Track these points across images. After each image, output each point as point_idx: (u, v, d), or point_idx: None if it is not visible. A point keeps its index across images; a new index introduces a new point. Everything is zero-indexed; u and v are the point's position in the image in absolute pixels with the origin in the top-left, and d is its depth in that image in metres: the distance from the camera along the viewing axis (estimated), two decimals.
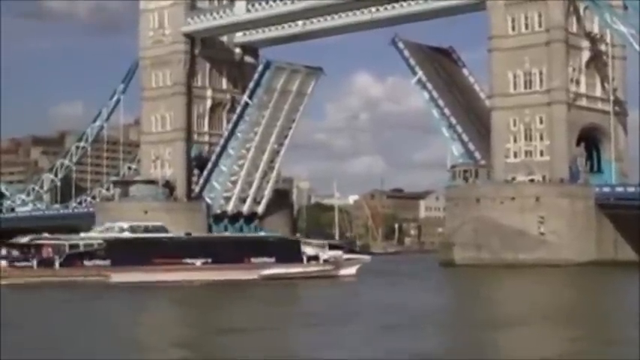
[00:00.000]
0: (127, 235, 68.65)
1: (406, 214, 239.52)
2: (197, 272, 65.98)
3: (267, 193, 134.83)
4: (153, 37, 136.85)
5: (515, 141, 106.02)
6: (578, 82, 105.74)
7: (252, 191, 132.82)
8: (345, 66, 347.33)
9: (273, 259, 69.06)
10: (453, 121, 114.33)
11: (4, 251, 65.19)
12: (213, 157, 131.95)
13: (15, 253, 64.92)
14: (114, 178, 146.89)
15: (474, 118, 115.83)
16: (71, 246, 65.80)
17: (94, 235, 69.09)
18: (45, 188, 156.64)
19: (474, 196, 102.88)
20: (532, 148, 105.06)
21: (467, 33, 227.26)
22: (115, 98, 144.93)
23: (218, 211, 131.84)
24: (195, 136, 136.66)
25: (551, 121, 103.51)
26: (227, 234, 76.55)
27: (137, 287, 60.03)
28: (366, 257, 77.33)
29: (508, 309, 46.13)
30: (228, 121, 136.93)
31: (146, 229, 71.78)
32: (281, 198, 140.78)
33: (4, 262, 63.46)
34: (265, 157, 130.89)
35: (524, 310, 44.52)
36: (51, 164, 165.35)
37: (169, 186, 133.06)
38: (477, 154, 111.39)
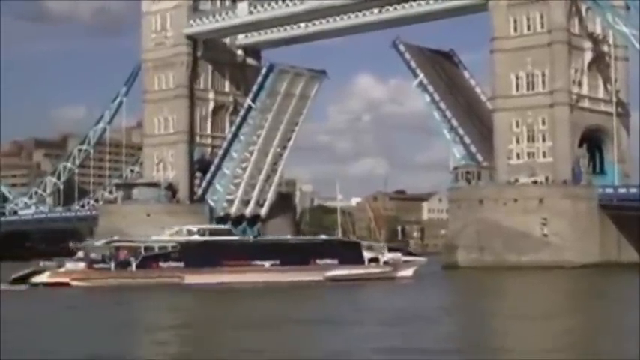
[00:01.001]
0: (199, 237, 70.17)
1: (409, 216, 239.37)
2: (265, 274, 67.81)
3: (270, 195, 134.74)
4: (155, 39, 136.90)
5: (517, 142, 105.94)
6: (580, 84, 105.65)
7: (255, 194, 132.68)
8: (348, 68, 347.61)
9: (336, 261, 70.72)
10: (455, 123, 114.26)
11: (80, 253, 67.00)
12: (216, 160, 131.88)
13: (93, 255, 66.60)
14: (116, 181, 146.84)
15: (475, 121, 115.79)
16: (146, 248, 67.49)
17: (168, 238, 70.55)
18: (48, 191, 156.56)
19: (477, 197, 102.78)
20: (534, 150, 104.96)
21: (469, 34, 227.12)
22: (117, 101, 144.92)
23: (221, 214, 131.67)
24: (198, 139, 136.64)
25: (554, 122, 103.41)
26: (292, 237, 78.40)
27: (212, 288, 61.91)
28: (422, 259, 78.25)
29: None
30: (230, 124, 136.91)
31: (213, 232, 73.86)
32: (284, 201, 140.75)
33: (82, 264, 65.02)
34: (268, 160, 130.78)
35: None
36: (54, 167, 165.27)
37: (172, 189, 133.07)
38: (479, 156, 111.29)
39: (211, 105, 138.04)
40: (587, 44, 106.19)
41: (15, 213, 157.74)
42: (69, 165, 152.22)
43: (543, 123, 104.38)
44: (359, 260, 71.70)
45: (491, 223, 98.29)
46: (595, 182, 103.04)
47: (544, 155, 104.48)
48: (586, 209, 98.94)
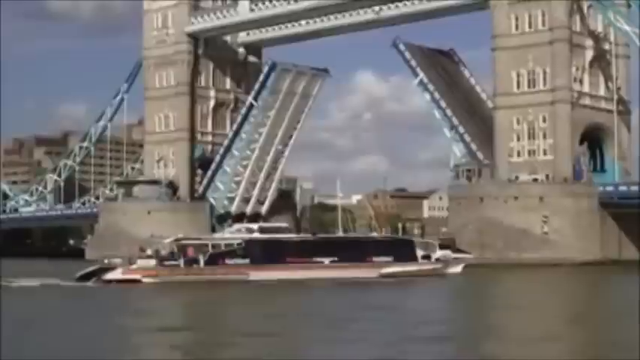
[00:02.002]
0: (262, 235, 71.56)
1: (410, 214, 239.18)
2: (325, 270, 69.20)
3: (271, 193, 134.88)
4: (156, 37, 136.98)
5: (518, 140, 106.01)
6: (581, 81, 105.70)
7: (255, 192, 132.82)
8: (349, 65, 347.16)
9: (391, 258, 72.03)
10: (455, 121, 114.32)
11: (149, 251, 68.13)
12: (217, 158, 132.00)
13: (163, 252, 67.73)
14: (117, 179, 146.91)
15: (476, 119, 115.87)
16: (213, 246, 69.38)
17: (233, 236, 72.07)
18: (48, 188, 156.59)
19: (478, 195, 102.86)
20: (535, 147, 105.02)
21: (470, 32, 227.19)
22: (118, 98, 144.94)
23: (221, 212, 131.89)
24: (199, 136, 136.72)
25: (555, 120, 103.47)
26: (349, 235, 79.89)
27: (276, 284, 63.55)
28: (470, 256, 79.25)
29: None
30: (231, 121, 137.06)
31: (272, 230, 75.31)
32: (284, 198, 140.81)
33: (153, 262, 66.33)
34: (269, 158, 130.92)
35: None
36: (54, 164, 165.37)
37: (173, 186, 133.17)
38: (480, 155, 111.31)
39: (212, 102, 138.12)
40: (589, 42, 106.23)
41: (16, 210, 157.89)
42: (70, 162, 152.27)
43: (544, 121, 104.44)
44: (412, 257, 73.09)
45: (492, 221, 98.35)
46: (596, 180, 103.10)
47: (545, 153, 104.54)
48: (587, 207, 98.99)
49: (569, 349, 31.25)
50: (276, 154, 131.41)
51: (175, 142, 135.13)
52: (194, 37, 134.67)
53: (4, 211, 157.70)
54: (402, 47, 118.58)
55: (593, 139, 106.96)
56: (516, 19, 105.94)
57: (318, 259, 70.15)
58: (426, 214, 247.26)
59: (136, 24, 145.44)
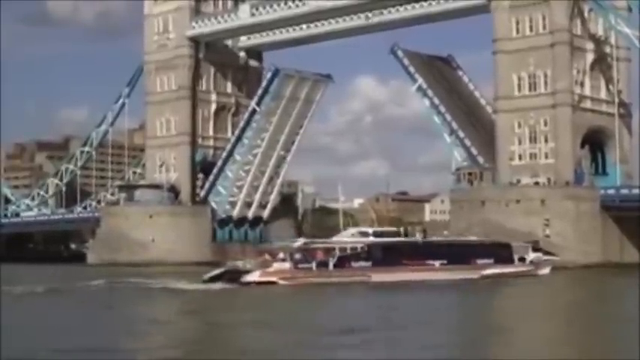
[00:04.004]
0: (382, 239, 74.97)
1: (411, 217, 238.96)
2: (435, 272, 72.74)
3: (273, 197, 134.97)
4: (157, 41, 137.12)
5: (519, 143, 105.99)
6: (582, 84, 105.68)
7: (257, 196, 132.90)
8: (349, 69, 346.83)
9: (491, 261, 76.08)
10: (455, 126, 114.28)
11: (281, 255, 70.97)
12: (219, 162, 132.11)
13: (297, 256, 70.59)
14: (119, 183, 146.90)
15: (475, 123, 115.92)
16: (340, 249, 72.21)
17: (356, 239, 74.37)
18: (50, 193, 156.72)
19: (479, 198, 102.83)
20: (537, 151, 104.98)
21: (470, 36, 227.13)
22: (119, 102, 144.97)
23: (223, 216, 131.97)
24: (200, 140, 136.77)
25: (556, 123, 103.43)
26: (456, 238, 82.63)
27: (396, 286, 66.44)
28: (556, 258, 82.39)
29: None
30: (232, 125, 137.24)
31: (384, 234, 78.44)
32: (286, 202, 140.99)
33: (288, 264, 69.62)
34: (272, 162, 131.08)
35: None
36: (56, 169, 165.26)
37: (174, 190, 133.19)
38: (480, 159, 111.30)
39: (213, 106, 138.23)
40: (590, 45, 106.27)
41: (17, 215, 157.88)
42: (71, 167, 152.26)
43: (545, 124, 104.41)
44: (510, 260, 77.31)
45: (494, 224, 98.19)
46: (597, 183, 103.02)
47: (546, 156, 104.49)
48: (588, 210, 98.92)
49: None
50: (278, 159, 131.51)
51: (177, 146, 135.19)
52: (195, 41, 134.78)
53: (6, 216, 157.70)
54: (400, 54, 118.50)
55: (594, 143, 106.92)
56: (517, 22, 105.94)
57: (430, 262, 74.01)
58: (427, 217, 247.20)
59: (136, 28, 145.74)
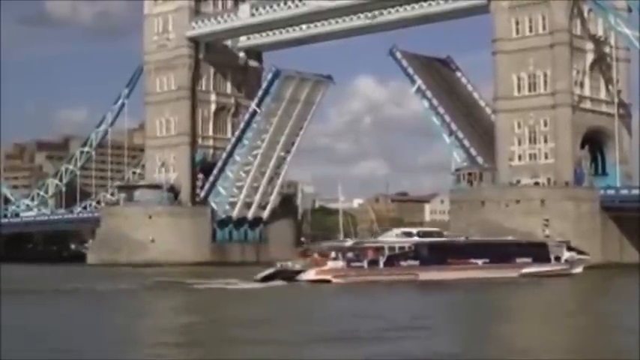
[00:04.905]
0: (428, 239, 77.01)
1: (411, 218, 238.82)
2: (478, 271, 74.82)
3: (273, 198, 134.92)
4: (157, 41, 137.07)
5: (519, 144, 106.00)
6: (582, 85, 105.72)
7: (257, 197, 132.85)
8: (349, 70, 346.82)
9: (530, 260, 78.41)
10: (454, 127, 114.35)
11: (333, 254, 72.60)
12: (219, 163, 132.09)
13: (350, 255, 72.65)
14: (118, 183, 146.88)
15: (474, 124, 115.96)
16: (389, 248, 74.15)
17: (404, 239, 76.17)
18: (49, 193, 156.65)
19: (479, 199, 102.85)
20: (536, 151, 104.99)
21: (470, 36, 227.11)
22: (119, 103, 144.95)
23: (223, 216, 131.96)
24: (200, 141, 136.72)
25: (556, 123, 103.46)
26: (496, 238, 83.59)
27: (443, 284, 68.09)
28: (588, 257, 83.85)
29: None
30: (232, 125, 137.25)
31: (428, 234, 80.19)
32: (285, 202, 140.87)
33: (341, 263, 71.68)
34: (272, 163, 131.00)
35: None
36: (55, 169, 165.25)
37: (174, 190, 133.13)
38: (479, 159, 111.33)
39: (213, 107, 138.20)
40: (589, 46, 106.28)
41: (17, 215, 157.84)
42: (71, 167, 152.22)
43: (545, 124, 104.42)
44: (547, 259, 79.54)
45: (494, 225, 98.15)
46: (597, 183, 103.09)
47: (546, 157, 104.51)
48: (588, 210, 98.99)
49: None
50: (278, 160, 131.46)
51: (176, 147, 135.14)
52: (195, 42, 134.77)
53: (6, 216, 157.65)
54: (398, 55, 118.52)
55: (594, 143, 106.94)
56: (517, 22, 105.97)
57: (474, 261, 76.08)
58: (427, 217, 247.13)
59: (136, 29, 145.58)
